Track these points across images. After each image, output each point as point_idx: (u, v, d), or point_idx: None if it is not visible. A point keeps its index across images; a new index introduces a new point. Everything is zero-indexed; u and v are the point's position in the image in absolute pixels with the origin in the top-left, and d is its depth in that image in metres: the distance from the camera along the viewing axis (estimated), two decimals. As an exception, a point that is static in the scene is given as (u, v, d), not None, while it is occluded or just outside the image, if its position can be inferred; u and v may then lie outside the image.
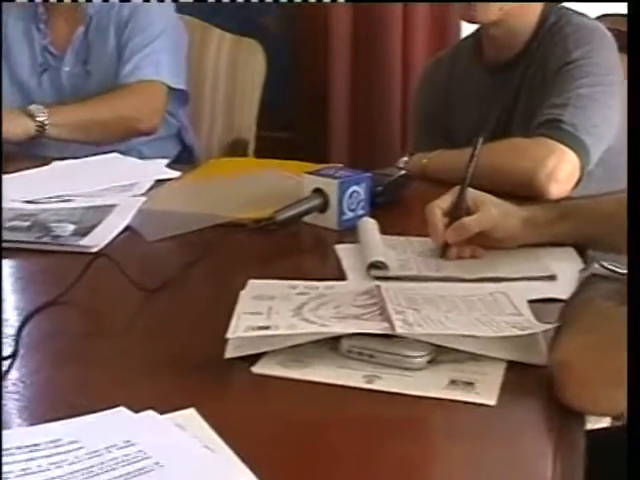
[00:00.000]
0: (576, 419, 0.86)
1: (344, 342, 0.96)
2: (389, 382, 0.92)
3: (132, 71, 2.04)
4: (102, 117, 1.99)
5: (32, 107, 1.91)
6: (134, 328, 1.08)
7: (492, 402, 0.87)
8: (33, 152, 1.93)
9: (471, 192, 1.26)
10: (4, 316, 1.09)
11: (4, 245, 1.34)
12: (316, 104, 2.69)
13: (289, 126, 2.77)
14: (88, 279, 1.15)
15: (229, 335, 0.94)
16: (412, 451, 0.82)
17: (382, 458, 0.78)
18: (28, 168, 1.76)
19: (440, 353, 0.95)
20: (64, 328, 1.09)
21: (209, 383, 0.92)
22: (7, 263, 1.32)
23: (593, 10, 1.88)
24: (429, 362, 0.95)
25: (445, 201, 1.26)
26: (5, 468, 0.73)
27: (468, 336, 0.94)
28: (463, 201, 1.26)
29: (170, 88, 2.09)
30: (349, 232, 1.40)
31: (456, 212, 1.26)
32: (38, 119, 1.89)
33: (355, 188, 1.47)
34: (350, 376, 0.93)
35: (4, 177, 1.63)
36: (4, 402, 0.88)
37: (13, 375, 0.93)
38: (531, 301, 1.06)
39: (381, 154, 2.58)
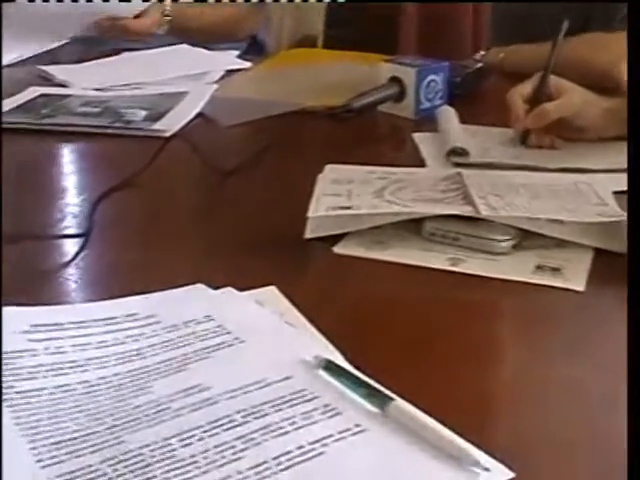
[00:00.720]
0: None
1: (427, 224, 0.92)
2: (474, 265, 0.88)
3: None
4: (216, 20, 1.95)
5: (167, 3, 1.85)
6: (209, 209, 1.05)
7: (580, 288, 0.84)
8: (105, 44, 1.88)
9: (553, 79, 1.21)
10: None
11: (74, 129, 1.33)
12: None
13: (357, 23, 2.69)
14: (161, 162, 1.13)
15: (310, 214, 0.91)
16: (498, 335, 0.79)
17: (467, 340, 0.75)
18: (97, 58, 1.72)
19: (525, 239, 0.91)
20: (137, 209, 1.06)
21: (289, 262, 0.89)
22: (78, 147, 1.30)
23: None
24: (514, 247, 0.91)
25: (526, 87, 1.21)
26: (82, 340, 0.71)
27: (554, 221, 0.89)
28: (545, 87, 1.21)
29: None
30: (426, 121, 1.37)
31: (537, 98, 1.21)
32: (166, 17, 1.85)
33: (433, 77, 1.42)
34: (434, 258, 0.89)
35: (75, 66, 1.64)
36: (77, 279, 0.85)
37: (85, 254, 0.90)
38: (615, 193, 0.99)
39: (453, 51, 2.50)
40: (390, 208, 0.93)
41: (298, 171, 1.14)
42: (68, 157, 1.30)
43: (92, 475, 0.55)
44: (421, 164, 1.18)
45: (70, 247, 0.92)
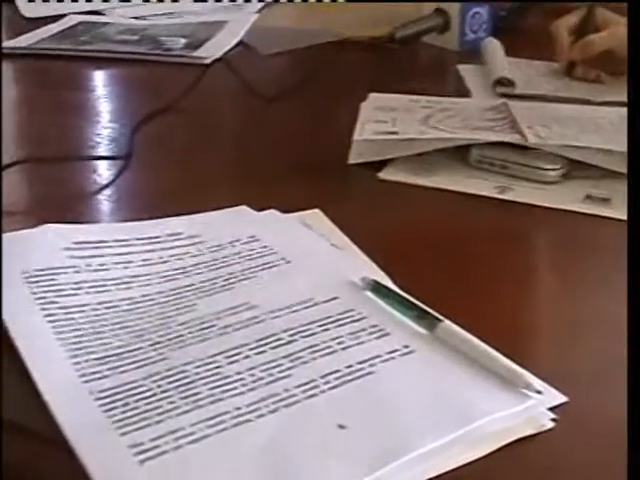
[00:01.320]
0: None
1: (474, 152, 0.90)
2: (522, 193, 0.85)
3: None
4: None
5: None
6: (251, 134, 1.03)
7: (629, 218, 0.80)
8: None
9: (600, 11, 1.17)
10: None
11: (113, 56, 1.32)
12: None
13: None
14: (202, 88, 1.11)
15: (355, 137, 0.89)
16: (544, 263, 0.77)
17: (512, 267, 0.73)
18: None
19: (573, 169, 0.89)
20: (178, 134, 1.04)
21: (333, 187, 0.87)
22: (117, 73, 1.28)
23: None
24: (563, 176, 0.88)
25: (572, 19, 1.18)
26: (125, 258, 0.69)
27: (604, 151, 0.87)
28: (591, 19, 1.17)
29: None
30: (470, 54, 1.34)
31: (583, 30, 1.17)
32: None
33: (477, 9, 1.40)
34: (481, 186, 0.87)
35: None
36: (117, 201, 0.83)
37: (126, 177, 0.89)
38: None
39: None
40: (437, 134, 0.90)
41: (339, 100, 1.12)
42: (107, 83, 1.28)
43: (136, 391, 0.53)
44: (466, 95, 1.15)
45: (111, 169, 0.91)
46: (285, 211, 0.77)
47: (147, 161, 0.94)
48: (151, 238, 0.72)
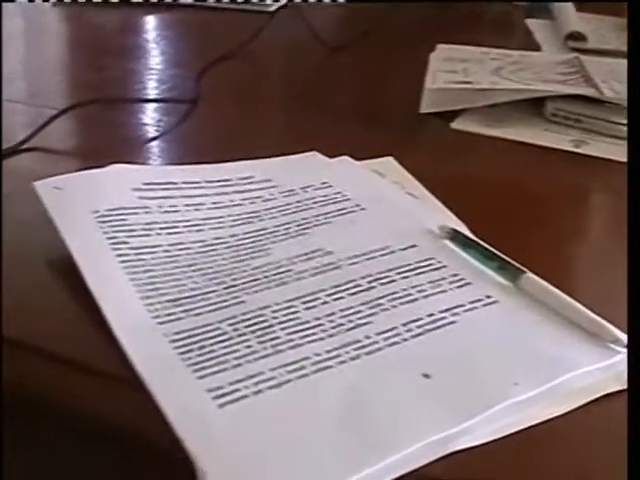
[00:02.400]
0: None
1: (549, 104, 0.87)
2: (598, 148, 0.83)
3: None
4: None
5: None
6: (319, 82, 1.00)
7: None
8: None
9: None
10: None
11: (180, 2, 1.31)
12: None
13: None
14: (267, 36, 1.08)
15: (428, 86, 0.86)
16: (619, 218, 0.73)
17: (589, 222, 0.70)
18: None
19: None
20: (245, 80, 1.02)
21: (405, 136, 0.84)
22: (181, 19, 1.27)
23: None
24: None
25: None
26: (196, 200, 0.67)
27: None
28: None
29: None
30: (538, 8, 1.30)
31: None
32: None
33: (546, -37, 1.34)
34: (555, 139, 0.84)
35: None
36: (184, 144, 0.82)
37: (193, 120, 0.87)
38: None
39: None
40: (512, 85, 0.87)
41: (406, 51, 1.10)
42: (173, 29, 1.25)
43: (212, 334, 0.51)
44: (535, 49, 1.11)
45: (177, 113, 0.89)
46: (356, 159, 0.75)
47: (213, 106, 0.92)
48: (222, 181, 0.69)
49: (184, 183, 0.68)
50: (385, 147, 0.78)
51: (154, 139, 0.83)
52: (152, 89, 0.97)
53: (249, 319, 0.53)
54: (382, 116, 0.90)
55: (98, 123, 0.86)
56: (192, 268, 0.58)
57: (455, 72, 0.93)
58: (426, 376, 0.48)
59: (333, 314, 0.53)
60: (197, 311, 0.53)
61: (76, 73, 1.07)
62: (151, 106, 0.91)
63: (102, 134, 0.84)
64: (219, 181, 0.70)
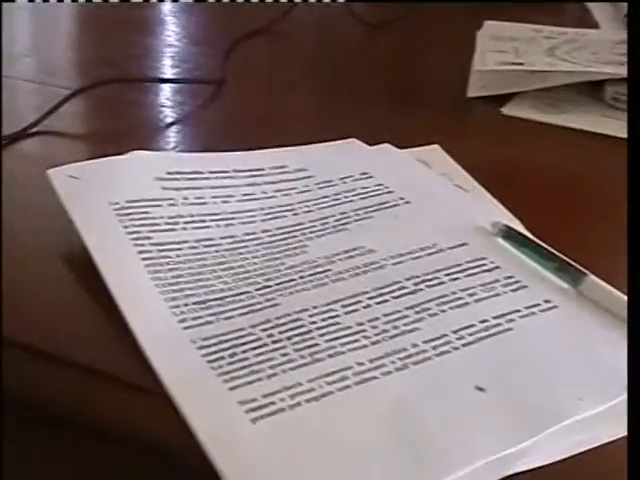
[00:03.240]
0: None
1: (608, 88, 0.86)
2: (664, 136, 0.80)
3: None
4: None
5: None
6: (357, 63, 1.00)
7: None
8: None
9: None
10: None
11: None
12: None
13: None
14: (301, 11, 1.07)
15: (476, 68, 0.85)
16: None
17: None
18: None
19: None
20: (275, 59, 1.02)
21: (452, 121, 0.83)
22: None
23: None
24: None
25: None
26: (225, 191, 0.66)
27: None
28: None
29: None
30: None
31: None
32: None
33: None
34: (616, 126, 0.82)
35: None
36: (211, 128, 0.81)
37: (220, 102, 0.87)
38: None
39: None
40: (569, 67, 0.86)
41: (450, 29, 1.09)
42: (195, 3, 1.24)
43: (244, 340, 0.50)
44: (593, 26, 1.10)
45: (203, 95, 0.88)
46: (398, 147, 0.74)
47: (241, 87, 0.91)
48: (252, 170, 0.69)
49: (211, 173, 0.68)
50: (429, 135, 0.77)
51: (176, 123, 0.83)
52: (174, 68, 0.97)
53: (284, 324, 0.52)
54: (426, 100, 0.89)
55: (115, 105, 0.85)
56: (221, 267, 0.57)
57: (505, 52, 0.92)
58: (480, 389, 0.47)
59: (376, 319, 0.52)
60: (227, 314, 0.53)
61: (92, 50, 1.06)
62: (173, 87, 0.91)
63: (120, 117, 0.83)
64: (249, 170, 0.69)
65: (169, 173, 0.66)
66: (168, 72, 0.96)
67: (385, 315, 0.53)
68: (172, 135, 0.80)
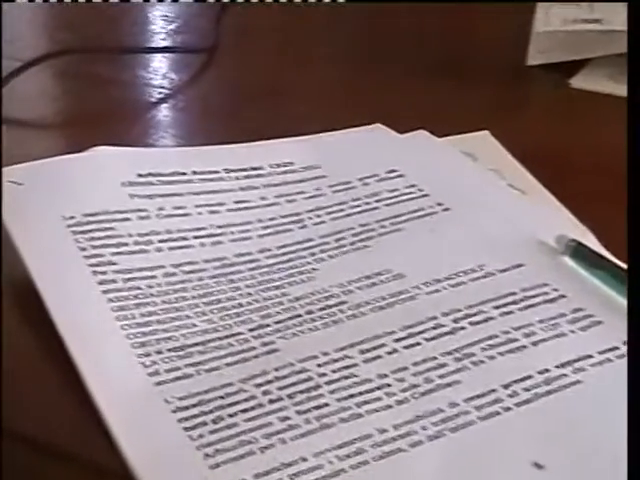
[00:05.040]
0: None
1: None
2: None
3: None
4: None
5: None
6: (379, 25, 1.00)
7: None
8: None
9: None
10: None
11: None
12: None
13: None
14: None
15: (537, 29, 0.85)
16: None
17: None
18: None
19: None
20: (281, 22, 1.02)
21: (506, 99, 0.84)
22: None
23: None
24: None
25: None
26: (212, 198, 0.66)
27: None
28: None
29: None
30: None
31: None
32: None
33: None
34: None
35: None
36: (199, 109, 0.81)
37: (209, 75, 0.87)
38: None
39: None
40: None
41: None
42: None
43: (231, 399, 0.49)
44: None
45: (190, 66, 0.88)
46: (438, 135, 0.73)
47: (237, 57, 0.92)
48: (248, 169, 0.68)
49: (195, 173, 0.67)
50: (478, 116, 0.77)
51: (157, 103, 0.82)
52: (155, 34, 0.97)
53: (285, 377, 0.51)
54: (474, 71, 0.89)
55: (77, 82, 0.85)
56: (205, 300, 0.57)
57: (577, 6, 0.91)
58: (538, 466, 0.46)
59: (404, 369, 0.51)
60: (211, 365, 0.52)
61: (51, 12, 1.06)
62: (154, 57, 0.91)
63: (83, 98, 0.83)
64: (244, 170, 0.68)
65: (141, 175, 0.66)
66: (146, 40, 0.96)
67: (415, 364, 0.52)
68: (149, 120, 0.80)
